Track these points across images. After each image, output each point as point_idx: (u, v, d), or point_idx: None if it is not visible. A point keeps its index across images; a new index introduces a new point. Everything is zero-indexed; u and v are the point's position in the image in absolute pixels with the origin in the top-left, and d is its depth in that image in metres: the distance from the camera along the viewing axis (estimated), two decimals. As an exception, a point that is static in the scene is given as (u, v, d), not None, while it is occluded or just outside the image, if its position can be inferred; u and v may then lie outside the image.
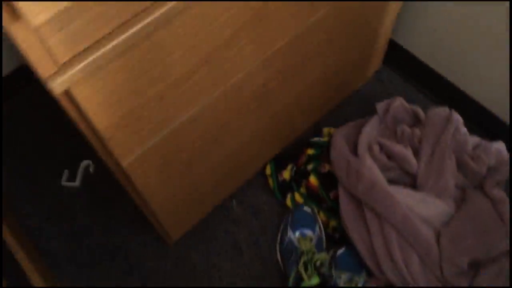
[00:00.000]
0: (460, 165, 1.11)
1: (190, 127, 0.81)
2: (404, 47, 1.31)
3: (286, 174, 1.26)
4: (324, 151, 1.25)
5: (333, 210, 1.18)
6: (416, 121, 1.20)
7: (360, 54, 1.20)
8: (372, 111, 1.23)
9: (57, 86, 0.52)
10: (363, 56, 1.22)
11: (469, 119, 1.24)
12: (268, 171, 1.28)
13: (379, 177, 1.08)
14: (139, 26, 0.55)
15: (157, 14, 0.55)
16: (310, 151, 1.26)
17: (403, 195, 1.06)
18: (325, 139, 1.28)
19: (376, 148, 1.11)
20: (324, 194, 1.19)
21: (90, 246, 1.23)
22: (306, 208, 1.19)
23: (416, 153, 1.12)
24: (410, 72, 1.37)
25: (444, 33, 1.19)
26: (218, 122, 0.88)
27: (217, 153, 0.97)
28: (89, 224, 1.26)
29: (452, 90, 1.29)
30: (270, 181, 1.27)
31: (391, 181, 1.10)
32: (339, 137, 1.19)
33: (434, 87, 1.34)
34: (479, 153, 1.10)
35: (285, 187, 1.25)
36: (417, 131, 1.14)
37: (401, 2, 1.12)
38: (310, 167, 1.24)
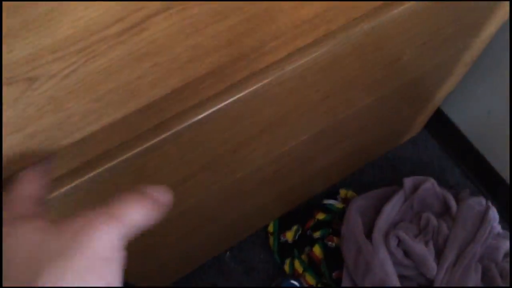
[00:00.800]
0: (486, 275, 0.97)
1: (175, 221, 0.68)
2: (449, 117, 1.14)
3: (290, 236, 1.13)
4: (336, 219, 1.12)
5: (333, 289, 1.06)
6: (446, 210, 1.05)
7: (399, 126, 1.04)
8: (398, 179, 1.09)
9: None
10: (402, 127, 1.06)
11: (504, 207, 1.10)
12: (270, 228, 1.15)
13: (391, 275, 0.95)
14: (104, 166, 0.42)
15: (129, 153, 0.42)
16: (321, 216, 1.13)
17: (413, 303, 0.93)
18: (340, 205, 1.14)
19: (393, 240, 0.98)
20: (326, 271, 1.06)
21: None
22: (295, 283, 1.07)
23: (439, 252, 0.98)
24: (449, 143, 1.21)
25: (497, 116, 1.02)
26: (214, 210, 0.75)
27: (209, 230, 0.85)
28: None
29: (491, 174, 1.13)
30: (271, 240, 1.14)
31: (403, 278, 0.97)
32: (354, 211, 1.05)
33: (471, 165, 1.18)
34: (510, 268, 0.96)
35: (286, 250, 1.13)
36: (444, 227, 0.99)
37: (459, 78, 0.95)
38: (317, 234, 1.11)
